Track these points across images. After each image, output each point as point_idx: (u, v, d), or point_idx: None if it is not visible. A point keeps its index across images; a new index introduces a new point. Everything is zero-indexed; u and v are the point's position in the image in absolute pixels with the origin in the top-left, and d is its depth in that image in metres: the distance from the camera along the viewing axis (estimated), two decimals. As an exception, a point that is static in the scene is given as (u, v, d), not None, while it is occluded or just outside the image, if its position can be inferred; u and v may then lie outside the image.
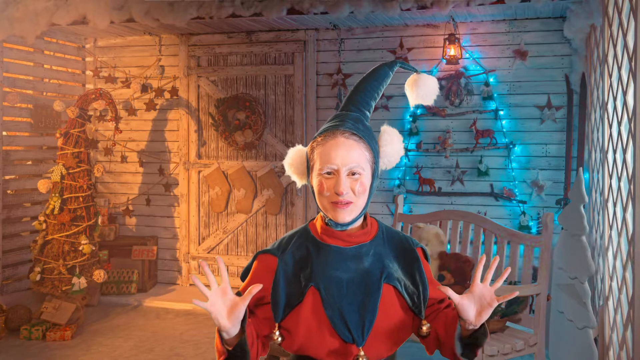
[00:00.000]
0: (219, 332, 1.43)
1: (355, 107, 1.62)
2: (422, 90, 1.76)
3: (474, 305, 1.45)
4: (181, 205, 6.02)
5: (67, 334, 4.58)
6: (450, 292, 1.43)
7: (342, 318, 1.48)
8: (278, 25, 5.44)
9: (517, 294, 1.43)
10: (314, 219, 1.64)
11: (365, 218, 1.61)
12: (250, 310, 1.55)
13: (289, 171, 1.65)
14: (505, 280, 3.77)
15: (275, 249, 1.58)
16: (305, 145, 1.64)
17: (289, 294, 1.51)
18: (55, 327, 4.65)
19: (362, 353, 1.47)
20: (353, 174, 1.50)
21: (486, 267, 3.84)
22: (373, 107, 1.66)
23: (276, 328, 1.51)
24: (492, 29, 5.16)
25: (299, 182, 1.65)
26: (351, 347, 1.48)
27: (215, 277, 1.43)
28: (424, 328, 1.54)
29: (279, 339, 1.51)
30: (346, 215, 1.51)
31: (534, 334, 3.43)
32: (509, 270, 1.44)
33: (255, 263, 1.60)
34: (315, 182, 1.54)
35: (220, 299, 1.41)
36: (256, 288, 1.39)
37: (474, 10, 4.72)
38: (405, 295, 1.54)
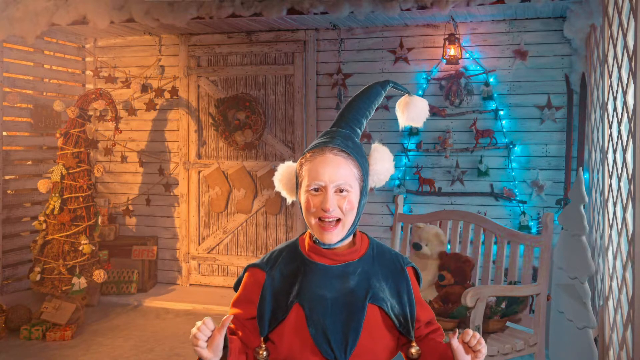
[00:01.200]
0: None
1: (347, 124, 1.62)
2: (412, 112, 1.74)
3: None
4: (181, 205, 6.02)
5: (67, 334, 4.58)
6: (452, 340, 1.45)
7: (325, 336, 1.48)
8: (278, 25, 5.44)
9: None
10: (304, 233, 1.64)
11: (354, 235, 1.61)
12: (237, 324, 1.57)
13: (279, 187, 1.66)
14: (505, 280, 3.77)
15: (264, 263, 1.59)
16: (296, 161, 1.64)
17: (274, 309, 1.52)
18: (55, 327, 4.65)
19: None
20: (341, 190, 1.50)
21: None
22: (364, 125, 1.66)
23: (262, 342, 1.51)
24: (492, 29, 5.16)
25: (289, 199, 1.65)
26: None
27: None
28: (413, 350, 1.53)
29: (264, 353, 1.51)
30: (333, 236, 1.51)
31: (534, 334, 3.43)
32: (469, 332, 1.46)
33: (245, 276, 1.61)
34: (302, 198, 1.54)
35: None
36: (228, 320, 1.42)
37: (474, 10, 4.72)
38: (392, 316, 1.54)
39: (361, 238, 1.62)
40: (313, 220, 1.52)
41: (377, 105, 1.69)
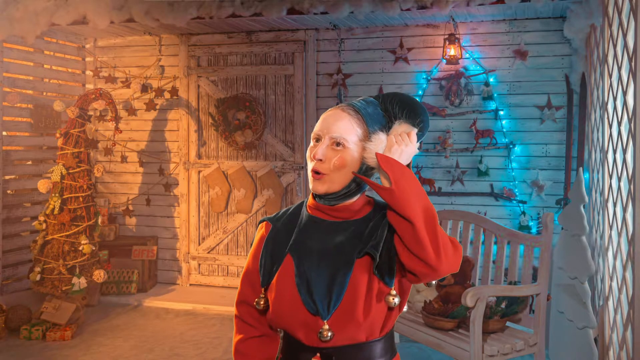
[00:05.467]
0: None
1: (381, 101, 1.58)
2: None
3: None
4: (181, 205, 6.02)
5: (67, 334, 4.58)
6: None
7: (308, 288, 1.46)
8: (278, 25, 5.44)
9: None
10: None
11: (360, 198, 1.55)
12: (250, 280, 1.60)
13: None
14: (505, 280, 3.77)
15: (273, 216, 1.63)
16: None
17: (272, 260, 1.54)
18: (55, 327, 4.65)
19: (326, 327, 1.43)
20: (337, 144, 1.48)
21: (485, 268, 3.84)
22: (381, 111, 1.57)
23: (262, 292, 1.53)
24: (492, 29, 5.16)
25: None
26: (319, 320, 1.45)
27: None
28: (391, 299, 1.45)
29: (262, 303, 1.52)
30: (319, 185, 1.49)
31: (534, 334, 3.43)
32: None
33: (257, 232, 1.65)
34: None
35: None
36: None
37: (474, 10, 4.72)
38: (377, 273, 1.46)
39: (366, 201, 1.57)
40: (310, 169, 1.52)
41: (390, 114, 1.57)
